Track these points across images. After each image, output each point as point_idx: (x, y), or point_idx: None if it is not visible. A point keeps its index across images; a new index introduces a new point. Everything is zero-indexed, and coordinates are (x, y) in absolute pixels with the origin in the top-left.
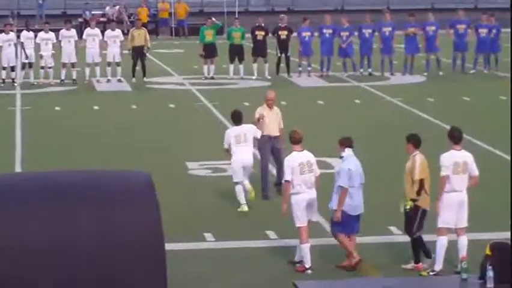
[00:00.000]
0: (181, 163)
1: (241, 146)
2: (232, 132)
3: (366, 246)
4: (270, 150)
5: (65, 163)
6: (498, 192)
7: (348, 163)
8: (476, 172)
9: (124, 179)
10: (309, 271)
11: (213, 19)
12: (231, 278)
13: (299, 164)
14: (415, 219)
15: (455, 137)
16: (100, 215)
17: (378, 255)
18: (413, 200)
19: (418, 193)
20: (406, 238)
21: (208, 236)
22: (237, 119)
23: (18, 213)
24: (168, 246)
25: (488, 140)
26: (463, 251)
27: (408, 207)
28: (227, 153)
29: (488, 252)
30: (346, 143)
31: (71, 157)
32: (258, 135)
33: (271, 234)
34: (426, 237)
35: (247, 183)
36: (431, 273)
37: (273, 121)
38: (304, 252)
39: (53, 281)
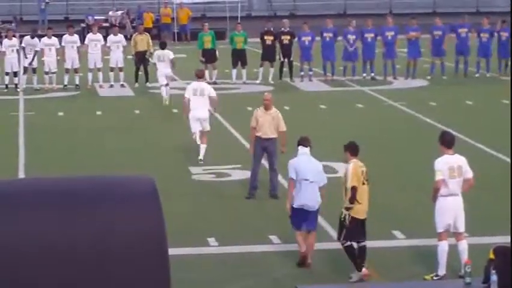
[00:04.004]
0: (184, 168)
1: (161, 62)
2: (157, 53)
3: (370, 251)
4: (262, 152)
5: (68, 168)
6: (501, 196)
7: (294, 160)
8: (470, 174)
9: (127, 184)
10: (194, 136)
11: (206, 25)
12: (234, 282)
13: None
14: (346, 228)
15: (447, 142)
16: (103, 219)
17: (382, 260)
18: (347, 209)
19: (351, 201)
20: (411, 242)
21: (211, 240)
22: (163, 46)
23: (18, 218)
24: (172, 251)
25: (491, 144)
26: (463, 255)
27: (342, 216)
28: (154, 66)
29: (491, 256)
30: (299, 141)
31: (74, 162)
32: (171, 56)
33: (274, 238)
34: (427, 242)
35: (168, 88)
36: (435, 278)
37: (266, 123)
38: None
39: (53, 286)
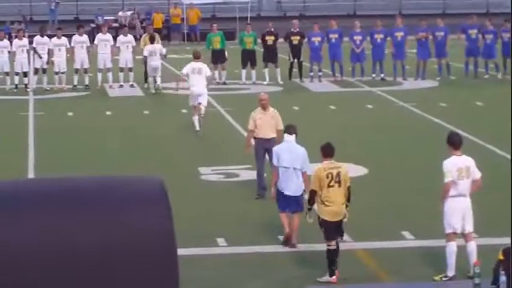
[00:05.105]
0: (193, 168)
1: (153, 56)
2: (147, 48)
3: (379, 251)
4: (264, 153)
5: (77, 168)
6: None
7: (278, 147)
8: (478, 175)
9: (136, 184)
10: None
11: (214, 25)
12: (243, 283)
13: None
14: (322, 230)
15: (455, 143)
16: (112, 220)
17: (391, 260)
18: (309, 210)
19: (310, 202)
20: (420, 243)
21: (220, 241)
22: (152, 40)
23: (26, 218)
24: (180, 251)
25: (501, 145)
26: (472, 256)
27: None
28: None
29: (501, 257)
30: (285, 129)
31: (84, 162)
32: (164, 51)
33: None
34: (436, 243)
35: (159, 79)
36: (444, 279)
37: (266, 124)
38: None
39: (60, 286)
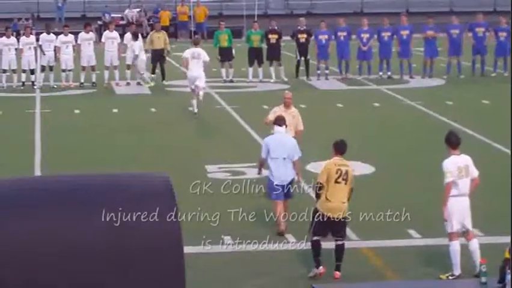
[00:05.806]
0: (200, 166)
1: (142, 51)
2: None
3: (386, 250)
4: None
5: (84, 166)
6: None
7: (268, 138)
8: (476, 174)
9: (143, 182)
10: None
11: (222, 23)
12: (250, 281)
13: None
14: (312, 222)
15: (453, 142)
16: (117, 218)
17: (397, 259)
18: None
19: (316, 196)
20: (426, 242)
21: (227, 239)
22: (135, 37)
23: (34, 216)
24: (187, 249)
25: (508, 144)
26: (476, 255)
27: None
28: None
29: (507, 255)
30: (274, 121)
31: (90, 160)
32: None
33: (290, 237)
34: (442, 241)
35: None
36: (450, 277)
37: (286, 122)
38: None
39: (70, 285)
